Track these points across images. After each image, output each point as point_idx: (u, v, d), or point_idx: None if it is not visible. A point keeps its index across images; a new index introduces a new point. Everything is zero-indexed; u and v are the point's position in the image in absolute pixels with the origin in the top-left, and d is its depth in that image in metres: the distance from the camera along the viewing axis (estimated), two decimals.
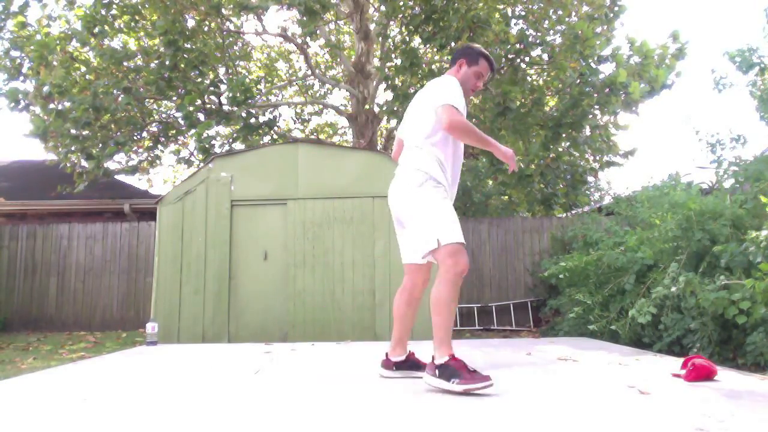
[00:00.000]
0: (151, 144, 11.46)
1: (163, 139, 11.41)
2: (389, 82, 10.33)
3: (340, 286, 6.46)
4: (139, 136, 10.98)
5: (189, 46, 10.58)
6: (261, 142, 10.28)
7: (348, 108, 13.92)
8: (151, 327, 5.71)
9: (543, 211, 11.29)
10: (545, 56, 11.34)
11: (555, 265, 6.20)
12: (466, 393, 2.50)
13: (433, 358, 2.67)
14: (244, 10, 10.30)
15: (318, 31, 11.30)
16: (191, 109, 10.01)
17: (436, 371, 2.60)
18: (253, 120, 10.49)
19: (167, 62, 10.10)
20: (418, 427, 2.08)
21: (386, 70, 10.37)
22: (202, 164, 8.11)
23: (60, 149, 10.48)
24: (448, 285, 2.66)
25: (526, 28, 11.32)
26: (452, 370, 2.55)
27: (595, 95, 9.97)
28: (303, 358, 4.15)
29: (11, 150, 34.28)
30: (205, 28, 11.17)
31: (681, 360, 3.28)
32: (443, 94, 2.85)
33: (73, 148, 10.32)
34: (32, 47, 10.13)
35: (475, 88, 3.13)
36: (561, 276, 6.07)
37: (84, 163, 10.45)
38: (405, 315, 3.10)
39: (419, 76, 10.18)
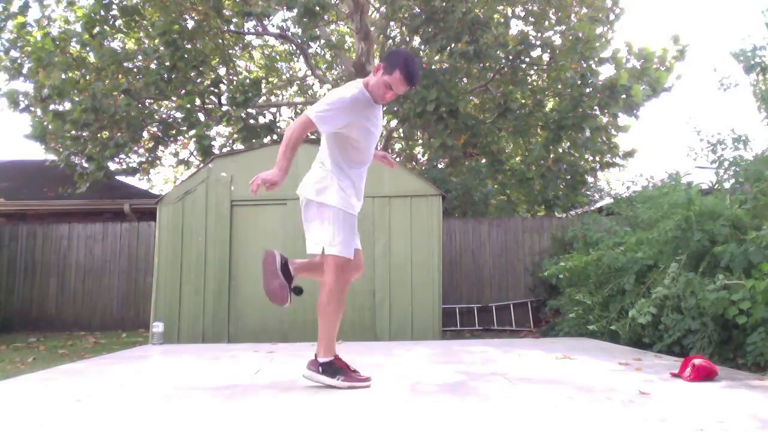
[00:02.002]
0: (152, 144, 11.46)
1: (165, 138, 11.40)
2: None
3: None
4: (139, 137, 10.97)
5: (189, 46, 10.58)
6: (261, 143, 10.27)
7: None
8: (157, 326, 5.72)
9: (543, 211, 11.29)
10: (545, 57, 11.34)
11: (555, 265, 6.19)
12: (349, 389, 2.75)
13: (316, 355, 2.86)
14: (248, 16, 10.30)
15: (318, 32, 11.29)
16: (189, 107, 10.01)
17: (320, 368, 2.82)
18: (252, 121, 10.49)
19: (167, 62, 10.10)
20: (416, 427, 2.07)
21: None
22: (202, 164, 8.11)
23: (61, 150, 10.49)
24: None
25: (526, 28, 11.31)
26: (336, 368, 2.80)
27: (598, 96, 9.96)
28: (302, 359, 4.14)
29: (11, 150, 34.30)
30: (206, 28, 11.16)
31: (681, 360, 3.28)
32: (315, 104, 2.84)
33: (73, 150, 10.32)
34: (30, 49, 10.14)
35: (384, 100, 2.86)
36: (561, 276, 6.06)
37: (85, 164, 10.46)
38: None
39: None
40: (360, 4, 11.12)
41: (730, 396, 2.57)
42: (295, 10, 9.96)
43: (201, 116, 10.71)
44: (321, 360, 2.81)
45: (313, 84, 15.58)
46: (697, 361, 2.97)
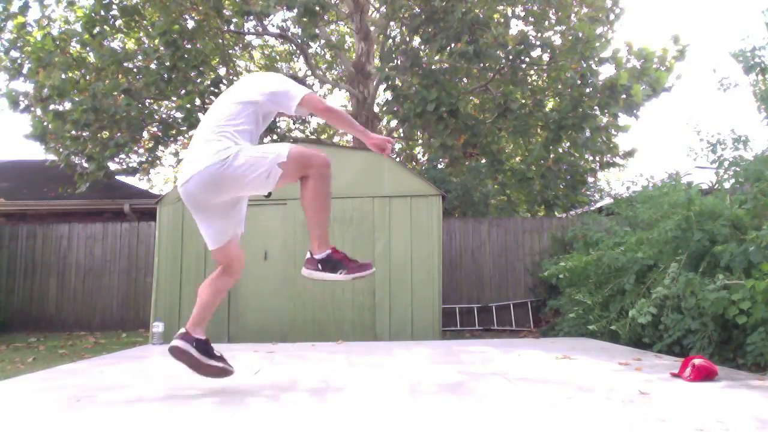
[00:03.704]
0: (152, 144, 11.46)
1: (165, 138, 11.40)
2: (389, 83, 10.33)
3: (340, 286, 6.45)
4: (139, 137, 10.98)
5: (189, 46, 10.58)
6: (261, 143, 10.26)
7: (348, 108, 13.91)
8: (157, 326, 5.73)
9: (543, 211, 11.29)
10: (545, 57, 11.33)
11: (555, 265, 6.19)
12: (354, 280, 2.62)
13: (311, 253, 2.66)
14: (248, 15, 10.30)
15: (318, 32, 11.30)
16: (189, 107, 10.01)
17: (318, 265, 2.64)
18: None
19: (167, 62, 10.10)
20: (416, 427, 2.07)
21: (386, 70, 10.37)
22: None
23: (61, 150, 10.49)
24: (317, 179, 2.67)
25: (526, 28, 11.30)
26: (335, 262, 2.61)
27: (598, 96, 9.96)
28: (303, 359, 4.14)
29: (11, 150, 34.29)
30: (206, 28, 11.16)
31: (681, 360, 3.28)
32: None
33: (73, 150, 10.33)
34: (30, 49, 10.14)
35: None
36: (561, 276, 6.06)
37: (85, 164, 10.46)
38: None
39: (420, 76, 10.18)
40: (360, 4, 11.12)
41: (730, 396, 2.57)
42: (295, 10, 9.96)
43: (201, 116, 10.71)
44: (318, 257, 2.64)
45: (313, 84, 15.57)
46: (697, 361, 2.97)
